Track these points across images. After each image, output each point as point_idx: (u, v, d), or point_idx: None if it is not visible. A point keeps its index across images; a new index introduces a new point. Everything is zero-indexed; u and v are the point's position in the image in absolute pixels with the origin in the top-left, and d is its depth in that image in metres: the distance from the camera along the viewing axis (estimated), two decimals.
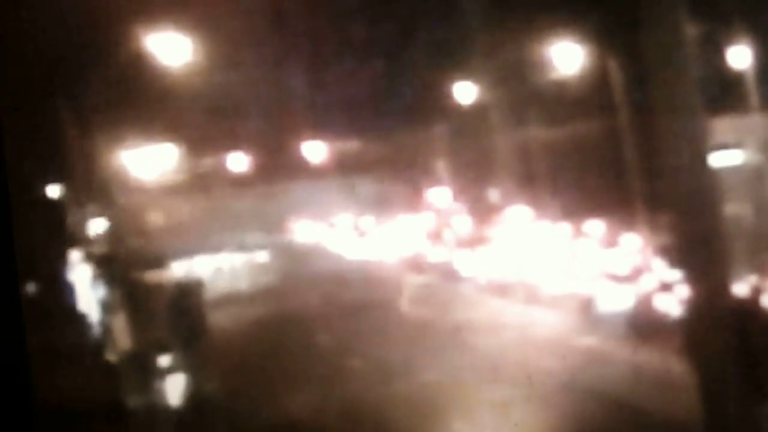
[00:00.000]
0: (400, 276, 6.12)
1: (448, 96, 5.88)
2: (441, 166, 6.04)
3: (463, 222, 6.37)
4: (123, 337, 5.08)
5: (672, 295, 5.68)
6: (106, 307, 5.10)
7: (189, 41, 5.14)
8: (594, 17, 5.37)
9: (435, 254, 6.49)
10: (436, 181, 6.06)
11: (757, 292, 5.54)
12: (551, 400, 5.00)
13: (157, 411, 5.17)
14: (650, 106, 5.37)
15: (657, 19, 5.15)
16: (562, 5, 5.28)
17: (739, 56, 5.63)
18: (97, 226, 5.13)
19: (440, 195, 6.15)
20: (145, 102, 4.95)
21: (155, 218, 5.30)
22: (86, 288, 5.04)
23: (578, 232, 6.28)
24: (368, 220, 6.13)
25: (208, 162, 5.61)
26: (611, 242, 6.27)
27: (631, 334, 5.78)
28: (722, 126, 5.65)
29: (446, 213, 6.29)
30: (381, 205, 5.97)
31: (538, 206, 6.01)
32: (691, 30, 5.30)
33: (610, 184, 5.75)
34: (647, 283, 6.06)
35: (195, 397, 5.28)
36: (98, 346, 5.03)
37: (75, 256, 5.02)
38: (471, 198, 6.22)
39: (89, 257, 5.09)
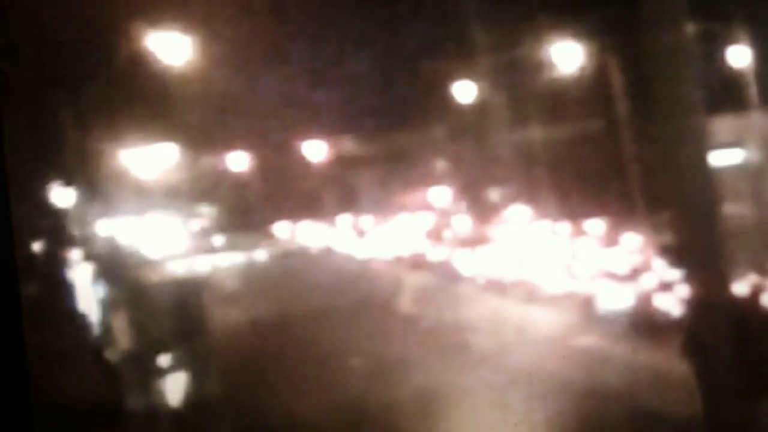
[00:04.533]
0: (400, 276, 6.12)
1: (448, 96, 5.88)
2: (441, 166, 6.04)
3: (463, 222, 6.37)
4: (123, 337, 5.08)
5: (672, 295, 5.69)
6: (106, 307, 5.10)
7: (189, 41, 5.14)
8: (594, 17, 5.37)
9: (435, 254, 6.50)
10: (436, 181, 6.06)
11: (757, 291, 5.55)
12: (551, 400, 5.00)
13: (157, 411, 5.17)
14: (650, 105, 5.37)
15: (657, 19, 5.15)
16: (562, 5, 5.28)
17: (739, 56, 5.63)
18: (97, 226, 5.13)
19: (440, 195, 6.15)
20: (145, 102, 4.95)
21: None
22: (86, 288, 5.04)
23: (578, 232, 6.28)
24: (368, 220, 6.13)
25: (207, 162, 5.61)
26: (611, 242, 6.27)
27: (631, 333, 5.78)
28: (722, 126, 5.65)
29: (446, 213, 6.29)
30: (381, 205, 5.97)
31: (538, 206, 6.01)
32: (691, 30, 5.30)
33: (610, 183, 5.75)
34: (647, 283, 6.06)
35: (195, 397, 5.28)
36: (98, 346, 5.03)
37: (75, 256, 5.02)
38: (471, 198, 6.22)
39: (89, 257, 5.09)
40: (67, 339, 4.58)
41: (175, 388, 5.27)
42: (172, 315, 5.30)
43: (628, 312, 6.00)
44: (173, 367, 5.27)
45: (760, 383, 4.88)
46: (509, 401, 4.95)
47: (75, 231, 5.05)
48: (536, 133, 5.90)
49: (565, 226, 6.26)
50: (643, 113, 5.53)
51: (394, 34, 5.33)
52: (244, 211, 5.67)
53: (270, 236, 5.88)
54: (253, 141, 5.60)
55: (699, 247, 5.19)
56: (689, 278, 5.39)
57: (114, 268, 5.19)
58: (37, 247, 4.57)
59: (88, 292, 5.06)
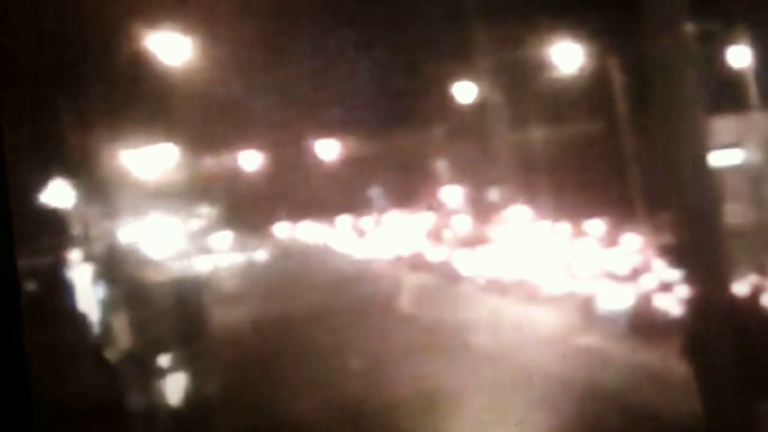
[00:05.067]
0: (400, 276, 6.12)
1: (448, 96, 5.88)
2: (441, 166, 6.04)
3: (463, 222, 6.38)
4: (123, 337, 5.09)
5: (672, 295, 5.69)
6: (106, 307, 5.11)
7: (189, 41, 5.14)
8: (594, 17, 5.37)
9: (435, 254, 6.50)
10: (437, 181, 6.06)
11: (757, 291, 5.55)
12: (551, 400, 5.00)
13: (157, 411, 5.18)
14: (650, 106, 5.37)
15: (657, 19, 5.15)
16: (563, 6, 5.28)
17: (739, 56, 5.64)
18: (97, 226, 5.13)
19: (440, 195, 6.15)
20: (145, 102, 4.95)
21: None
22: (86, 288, 5.05)
23: (578, 232, 6.29)
24: (368, 220, 6.13)
25: (207, 162, 5.61)
26: (611, 242, 6.27)
27: (631, 333, 5.78)
28: (722, 126, 5.65)
29: (446, 213, 6.29)
30: (381, 205, 5.97)
31: (539, 206, 6.01)
32: (691, 30, 5.30)
33: (610, 183, 5.75)
34: (647, 283, 6.06)
35: (195, 397, 5.28)
36: (98, 346, 5.03)
37: (75, 256, 5.02)
38: (471, 198, 6.22)
39: (89, 257, 5.09)
40: (67, 339, 4.59)
41: (175, 387, 5.27)
42: (172, 315, 5.30)
43: (628, 312, 6.00)
44: (173, 367, 5.27)
45: (760, 384, 4.88)
46: (509, 400, 4.95)
47: (75, 231, 5.05)
48: (536, 133, 5.90)
49: (565, 227, 6.26)
50: (643, 114, 5.53)
51: (394, 35, 5.33)
52: (244, 211, 5.67)
53: (270, 236, 5.88)
54: (253, 141, 5.60)
55: (699, 247, 5.18)
56: (689, 278, 5.39)
57: (114, 268, 5.19)
58: (37, 247, 4.57)
59: (88, 292, 5.06)
